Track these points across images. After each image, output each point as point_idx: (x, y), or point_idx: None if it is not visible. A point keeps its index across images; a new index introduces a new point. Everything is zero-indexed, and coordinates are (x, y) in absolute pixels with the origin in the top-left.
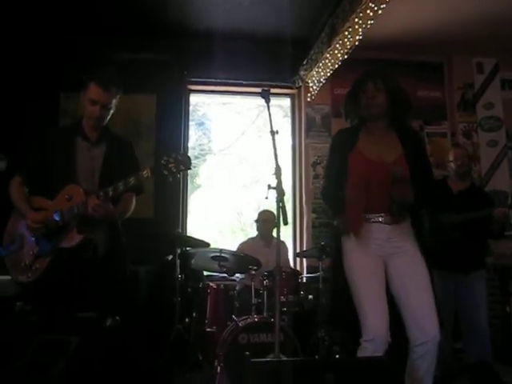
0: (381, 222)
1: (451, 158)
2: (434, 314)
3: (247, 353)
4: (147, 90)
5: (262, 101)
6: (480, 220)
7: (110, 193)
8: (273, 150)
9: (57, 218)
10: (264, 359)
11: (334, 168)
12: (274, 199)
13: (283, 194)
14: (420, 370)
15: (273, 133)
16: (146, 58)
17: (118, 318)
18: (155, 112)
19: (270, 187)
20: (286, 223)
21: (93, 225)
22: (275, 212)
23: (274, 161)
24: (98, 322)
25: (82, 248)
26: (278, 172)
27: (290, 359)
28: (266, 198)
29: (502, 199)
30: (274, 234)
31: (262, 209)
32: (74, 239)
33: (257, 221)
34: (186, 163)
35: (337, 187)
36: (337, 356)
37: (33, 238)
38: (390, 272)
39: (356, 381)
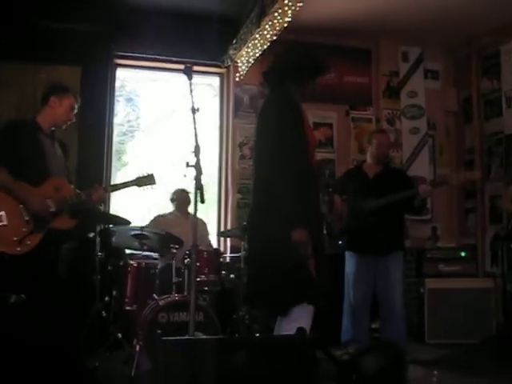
0: None
1: (374, 142)
2: None
3: (159, 331)
4: (72, 61)
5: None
6: (399, 202)
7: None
8: (193, 128)
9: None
10: (175, 337)
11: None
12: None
13: (201, 173)
14: None
15: (193, 110)
16: (72, 27)
17: (23, 295)
18: (79, 85)
19: (188, 165)
20: (202, 202)
21: (82, 211)
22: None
23: (193, 139)
24: (2, 299)
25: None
26: (197, 150)
27: (202, 337)
28: (185, 175)
29: None
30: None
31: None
32: (67, 223)
33: (172, 199)
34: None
35: None
36: (257, 334)
37: (26, 218)
38: None
39: (268, 358)
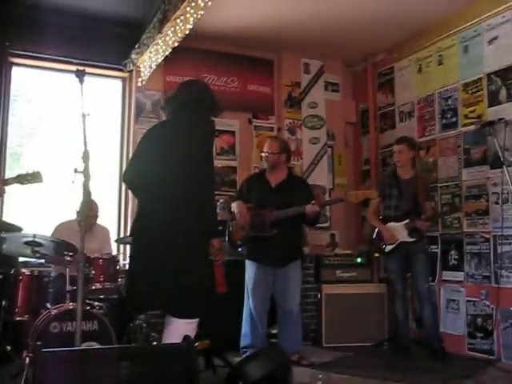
0: None
1: (264, 149)
2: None
3: (39, 342)
4: None
5: (97, 81)
6: (296, 215)
7: None
8: (82, 134)
9: None
10: (55, 349)
11: None
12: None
13: (89, 179)
14: None
15: (84, 116)
16: None
17: None
18: None
19: (76, 171)
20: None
21: None
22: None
23: (82, 144)
24: None
25: None
26: (85, 156)
27: (85, 348)
28: (73, 182)
29: (320, 193)
30: (97, 221)
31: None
32: None
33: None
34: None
35: None
36: (154, 343)
37: None
38: None
39: (152, 367)
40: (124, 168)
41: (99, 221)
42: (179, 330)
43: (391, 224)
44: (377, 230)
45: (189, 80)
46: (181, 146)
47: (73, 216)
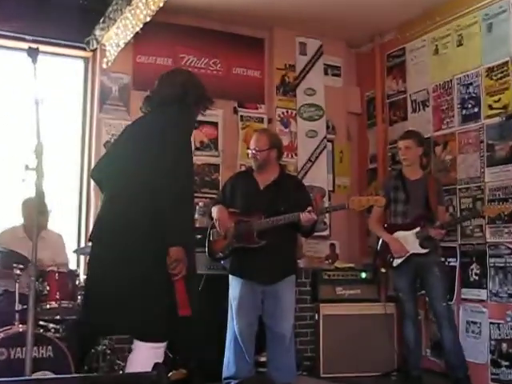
0: None
1: (251, 145)
2: None
3: None
4: None
5: (55, 61)
6: (288, 224)
7: None
8: (36, 123)
9: None
10: (2, 379)
11: None
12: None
13: (43, 177)
14: None
15: (37, 102)
16: None
17: None
18: None
19: (27, 168)
20: (43, 212)
21: None
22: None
23: (35, 136)
24: None
25: None
26: (39, 150)
27: (37, 378)
28: (23, 180)
29: (318, 196)
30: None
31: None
32: None
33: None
34: None
35: None
36: (120, 371)
37: None
38: None
39: None
40: (86, 164)
41: (50, 225)
42: (144, 355)
43: (399, 233)
44: (381, 240)
45: (169, 72)
46: (152, 142)
47: (17, 222)
